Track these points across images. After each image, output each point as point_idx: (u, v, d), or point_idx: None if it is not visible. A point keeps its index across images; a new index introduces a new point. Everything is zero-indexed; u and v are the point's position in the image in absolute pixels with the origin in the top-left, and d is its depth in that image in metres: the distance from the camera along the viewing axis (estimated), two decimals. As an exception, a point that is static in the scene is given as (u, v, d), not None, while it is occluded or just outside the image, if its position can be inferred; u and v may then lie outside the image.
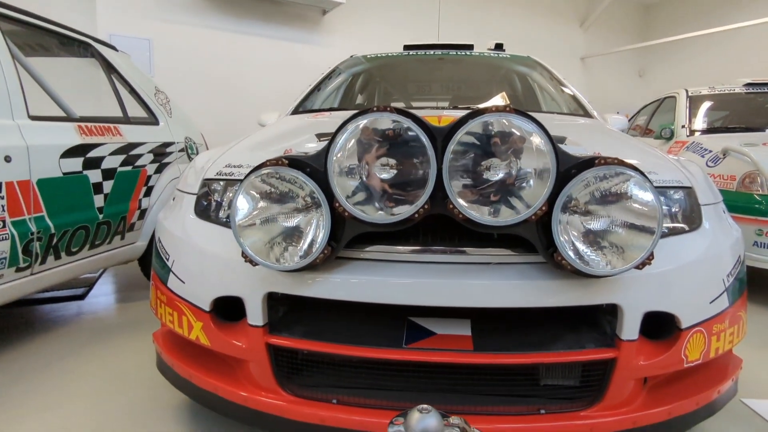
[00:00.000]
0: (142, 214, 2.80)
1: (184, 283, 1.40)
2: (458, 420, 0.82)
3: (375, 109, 1.05)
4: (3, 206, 1.95)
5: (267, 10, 6.31)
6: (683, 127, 4.02)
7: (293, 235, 1.11)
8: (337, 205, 1.07)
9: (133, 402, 1.78)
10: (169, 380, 1.52)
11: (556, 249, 1.06)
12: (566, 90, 2.67)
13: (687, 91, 4.38)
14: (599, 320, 1.28)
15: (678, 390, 1.30)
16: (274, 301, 1.29)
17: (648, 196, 1.02)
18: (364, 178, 1.07)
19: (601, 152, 1.48)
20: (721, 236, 1.38)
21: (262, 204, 1.11)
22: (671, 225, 1.33)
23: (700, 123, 4.04)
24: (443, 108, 2.85)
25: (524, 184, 1.05)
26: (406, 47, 3.07)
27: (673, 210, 1.37)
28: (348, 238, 1.15)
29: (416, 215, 1.07)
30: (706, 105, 4.21)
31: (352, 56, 3.17)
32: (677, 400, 1.27)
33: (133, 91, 2.98)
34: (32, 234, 2.08)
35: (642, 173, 1.03)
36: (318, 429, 1.22)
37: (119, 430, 1.61)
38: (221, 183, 1.53)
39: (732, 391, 1.44)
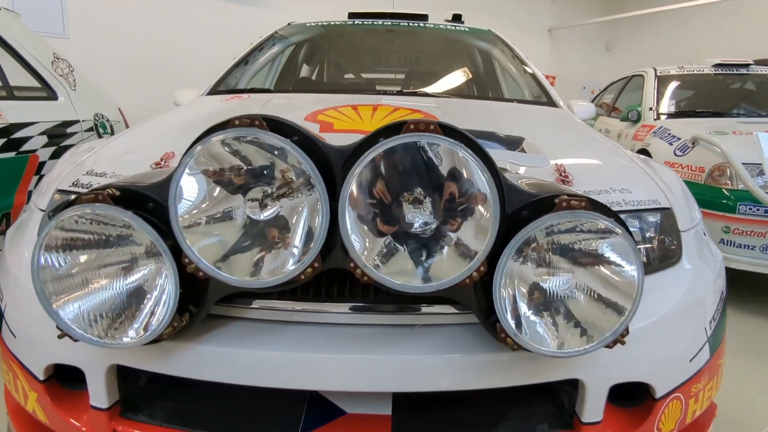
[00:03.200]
0: (34, 209, 2.36)
1: (15, 337, 1.04)
2: None
3: (237, 122, 0.70)
4: None
5: (209, -36, 5.66)
6: (651, 109, 3.80)
7: (128, 300, 0.76)
8: (186, 260, 0.73)
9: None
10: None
11: (498, 320, 0.76)
12: (529, 71, 2.35)
13: (656, 70, 4.15)
14: (555, 390, 1.00)
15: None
16: (129, 369, 0.95)
17: (629, 259, 0.73)
18: (226, 222, 0.73)
19: (565, 162, 1.19)
20: (703, 271, 1.13)
21: (81, 257, 0.76)
22: (644, 261, 1.06)
23: (668, 105, 3.83)
24: (395, 89, 2.50)
25: (455, 230, 0.74)
26: (351, 15, 2.66)
27: (648, 240, 1.09)
28: (213, 301, 0.82)
29: (302, 276, 0.74)
30: (674, 86, 3.99)
31: (290, 24, 2.74)
32: (645, 479, 1.03)
33: (19, 58, 2.47)
34: None
35: (622, 225, 0.73)
36: None
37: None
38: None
39: (704, 444, 1.23)
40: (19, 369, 1.03)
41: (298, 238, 0.73)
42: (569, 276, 0.76)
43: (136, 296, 0.76)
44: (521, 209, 0.76)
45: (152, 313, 0.75)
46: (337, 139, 1.18)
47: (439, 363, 0.84)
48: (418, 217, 0.73)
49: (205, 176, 0.71)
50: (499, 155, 1.18)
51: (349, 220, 0.71)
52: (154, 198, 0.76)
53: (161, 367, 0.86)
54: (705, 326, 1.06)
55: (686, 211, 1.20)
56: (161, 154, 1.19)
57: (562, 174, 1.12)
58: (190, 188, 0.71)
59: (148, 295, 0.76)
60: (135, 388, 0.98)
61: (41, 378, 0.99)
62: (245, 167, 0.72)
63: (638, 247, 1.06)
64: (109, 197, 0.72)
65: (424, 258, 0.73)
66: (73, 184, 1.18)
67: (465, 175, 0.72)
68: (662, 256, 1.09)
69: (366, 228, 0.73)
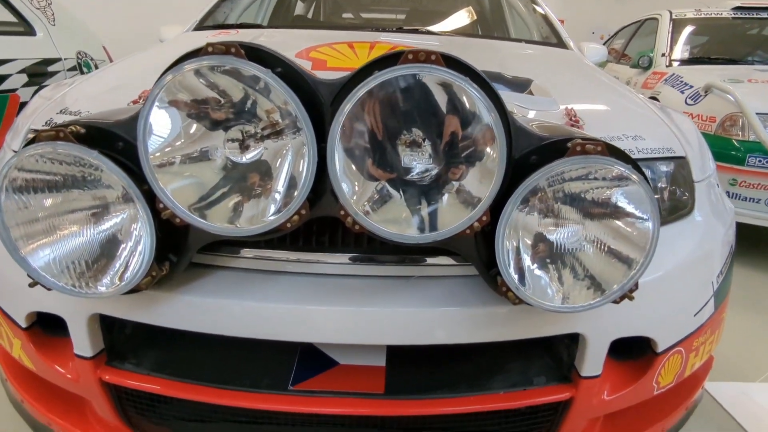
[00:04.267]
0: (19, 152, 2.28)
1: (-6, 283, 1.00)
2: None
3: (210, 49, 0.61)
4: None
5: None
6: (663, 55, 3.62)
7: (101, 248, 0.71)
8: (161, 206, 0.67)
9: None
10: (9, 398, 1.17)
11: (500, 273, 0.71)
12: (539, 10, 2.19)
13: (671, 13, 3.92)
14: (553, 343, 0.97)
15: (641, 416, 1.05)
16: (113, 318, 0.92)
17: (644, 208, 0.67)
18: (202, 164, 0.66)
19: (576, 107, 1.11)
20: (714, 224, 1.07)
21: (46, 200, 0.69)
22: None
23: (681, 51, 3.65)
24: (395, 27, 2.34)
25: (458, 177, 0.67)
26: (349, -54, 2.46)
27: (660, 190, 1.03)
28: (195, 249, 0.76)
29: (288, 224, 0.68)
30: (689, 30, 3.78)
31: (284, -48, 2.53)
32: (640, 429, 1.02)
33: (-9, -11, 2.30)
34: None
35: (640, 172, 0.66)
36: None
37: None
38: (51, 138, 1.08)
39: (700, 397, 1.23)
40: (1, 316, 1.00)
41: (280, 184, 0.66)
42: (578, 227, 0.70)
43: (110, 244, 0.71)
44: (530, 153, 0.69)
45: (128, 263, 0.70)
46: (329, 77, 1.11)
47: (436, 316, 0.80)
48: (417, 162, 0.66)
49: (178, 110, 0.64)
50: (506, 97, 1.09)
51: (338, 164, 0.64)
52: (123, 136, 0.68)
53: (143, 317, 0.82)
54: (712, 280, 1.02)
55: (700, 161, 1.13)
56: (140, 91, 1.10)
57: (572, 119, 1.04)
58: (161, 124, 0.64)
59: (123, 244, 0.70)
60: (121, 337, 0.95)
61: (23, 326, 0.96)
62: (223, 101, 0.64)
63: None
64: (72, 135, 0.65)
65: (421, 206, 0.67)
66: (46, 123, 1.10)
67: (470, 114, 0.64)
68: (674, 207, 1.03)
69: (358, 173, 0.66)
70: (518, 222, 0.68)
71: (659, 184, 1.04)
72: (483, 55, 1.50)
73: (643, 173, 0.68)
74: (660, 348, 0.94)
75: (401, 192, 0.68)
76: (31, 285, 0.72)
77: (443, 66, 0.61)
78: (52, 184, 0.68)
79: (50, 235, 0.70)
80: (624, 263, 0.69)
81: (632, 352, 0.98)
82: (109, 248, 0.70)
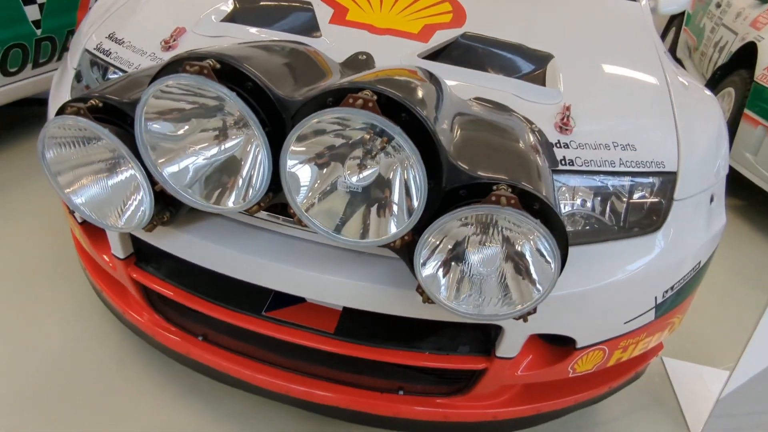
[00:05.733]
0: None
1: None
2: None
3: (188, 67, 0.72)
4: None
5: None
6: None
7: (113, 197, 0.91)
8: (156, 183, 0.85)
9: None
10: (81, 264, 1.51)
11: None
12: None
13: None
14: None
15: (555, 388, 1.22)
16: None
17: (550, 256, 0.75)
18: (185, 152, 0.81)
19: (577, 102, 1.09)
20: (683, 243, 1.10)
21: (75, 155, 0.89)
22: (612, 223, 1.05)
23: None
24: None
25: (391, 198, 0.78)
26: None
27: (631, 204, 1.06)
28: (188, 208, 0.95)
29: (253, 208, 0.84)
30: None
31: None
32: (552, 398, 1.20)
33: None
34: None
35: (553, 221, 0.74)
36: (183, 358, 1.24)
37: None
38: (100, 62, 1.24)
39: (634, 377, 1.37)
40: (64, 205, 1.28)
41: (243, 178, 0.81)
42: (491, 255, 0.80)
43: (122, 193, 0.91)
44: (461, 187, 0.77)
45: (133, 212, 0.90)
46: (339, 36, 1.15)
47: (376, 292, 0.96)
48: (355, 181, 0.77)
49: (164, 119, 0.78)
50: (504, 85, 1.10)
51: (288, 170, 0.76)
52: (131, 115, 0.83)
53: (154, 241, 1.06)
54: (656, 295, 1.09)
55: (699, 173, 1.12)
56: (173, 28, 1.21)
57: (564, 121, 1.05)
58: (156, 127, 0.78)
59: (128, 195, 0.90)
60: (147, 245, 1.21)
61: (79, 221, 1.24)
62: (198, 105, 0.77)
63: (618, 208, 1.06)
64: (89, 109, 0.81)
65: (357, 215, 0.80)
66: (96, 47, 1.25)
67: (402, 154, 0.73)
68: (638, 222, 1.07)
69: (306, 178, 0.78)
70: (437, 246, 0.80)
71: (633, 197, 1.06)
72: (515, 14, 1.41)
73: (556, 222, 0.75)
74: (579, 345, 1.07)
75: (344, 200, 0.80)
76: (70, 212, 0.96)
77: (378, 113, 0.69)
78: (72, 141, 0.86)
79: (76, 184, 0.90)
80: (532, 286, 0.80)
81: (557, 340, 1.12)
82: (120, 197, 0.91)
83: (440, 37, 1.20)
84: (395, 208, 0.77)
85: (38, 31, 2.18)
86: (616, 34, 1.41)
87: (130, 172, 0.88)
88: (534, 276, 0.78)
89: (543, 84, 1.14)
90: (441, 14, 1.29)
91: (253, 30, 1.19)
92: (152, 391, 1.38)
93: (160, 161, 0.81)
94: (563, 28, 1.36)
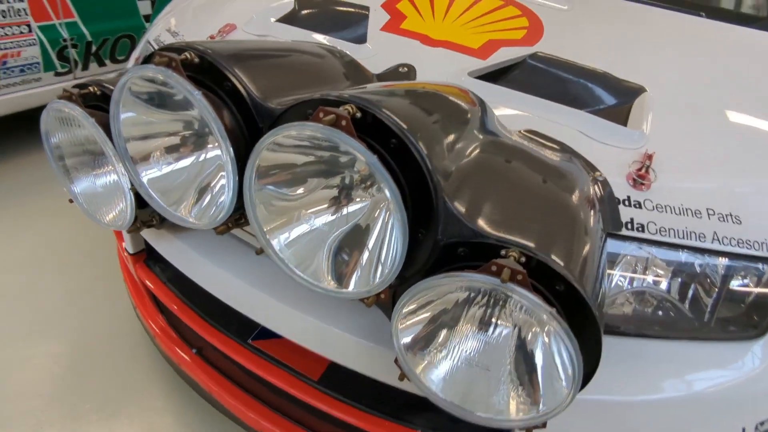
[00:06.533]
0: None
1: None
2: None
3: (156, 59, 0.62)
4: (25, 9, 1.90)
5: None
6: None
7: (104, 198, 0.85)
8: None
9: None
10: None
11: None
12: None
13: None
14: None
15: None
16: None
17: (564, 363, 0.54)
18: (153, 159, 0.72)
19: (666, 151, 0.83)
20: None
21: (66, 142, 0.84)
22: (693, 316, 0.78)
23: None
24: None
25: (368, 243, 0.62)
26: None
27: (725, 295, 0.79)
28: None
29: (222, 227, 0.72)
30: None
31: None
32: None
33: None
34: (65, 40, 2.06)
35: (567, 316, 0.52)
36: (180, 372, 1.17)
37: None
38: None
39: None
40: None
41: (214, 192, 0.69)
42: (492, 340, 0.60)
43: (111, 195, 0.85)
44: (460, 244, 0.59)
45: (119, 212, 0.84)
46: (386, 45, 1.02)
47: (361, 349, 0.80)
48: (324, 214, 0.62)
49: (141, 107, 0.69)
50: (570, 118, 0.88)
51: (251, 191, 0.63)
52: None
53: (152, 241, 1.00)
54: (744, 427, 0.79)
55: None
56: (223, 23, 1.17)
57: (641, 172, 0.81)
58: (130, 118, 0.70)
59: (117, 199, 0.84)
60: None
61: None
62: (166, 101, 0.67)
63: (705, 299, 0.79)
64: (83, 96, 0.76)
65: (330, 258, 0.65)
66: (155, 39, 1.25)
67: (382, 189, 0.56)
68: (731, 321, 0.79)
69: (273, 203, 0.65)
70: (422, 309, 0.62)
71: (724, 287, 0.79)
72: (610, 34, 1.16)
73: (586, 316, 0.54)
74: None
75: (318, 240, 0.65)
76: (70, 201, 0.92)
77: (351, 133, 0.53)
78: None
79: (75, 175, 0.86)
80: (530, 400, 0.59)
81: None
82: (110, 198, 0.85)
83: (503, 55, 1.01)
84: (365, 257, 0.61)
85: (147, 25, 2.33)
86: (739, 69, 1.10)
87: (113, 174, 0.82)
88: (540, 383, 0.57)
89: (624, 123, 0.90)
90: (513, 29, 1.09)
91: (300, 32, 1.10)
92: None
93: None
94: (667, 56, 1.09)
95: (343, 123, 0.53)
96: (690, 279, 0.79)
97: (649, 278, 0.80)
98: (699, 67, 1.07)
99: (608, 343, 0.75)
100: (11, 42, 1.87)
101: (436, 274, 0.55)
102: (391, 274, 0.58)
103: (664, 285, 0.80)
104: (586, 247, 0.63)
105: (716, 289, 0.79)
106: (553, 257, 0.55)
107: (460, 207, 0.58)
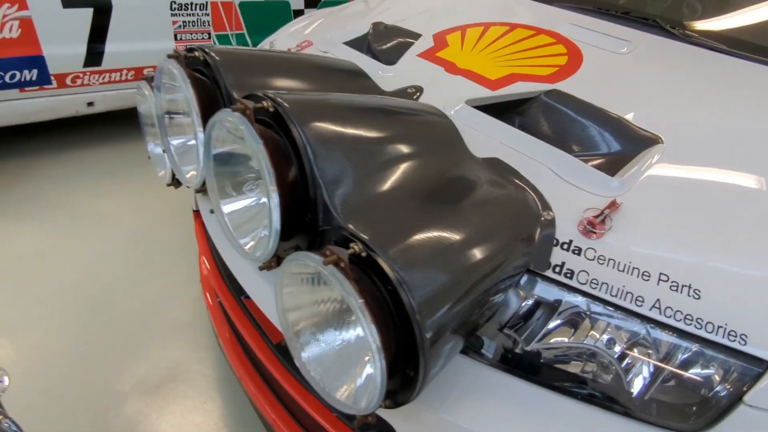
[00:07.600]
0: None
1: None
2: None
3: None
4: (209, 21, 2.44)
5: None
6: None
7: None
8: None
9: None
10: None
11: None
12: None
13: None
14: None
15: None
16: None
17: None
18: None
19: (655, 206, 0.76)
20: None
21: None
22: (628, 388, 0.70)
23: None
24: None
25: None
26: None
27: (657, 370, 0.70)
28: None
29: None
30: None
31: None
32: None
33: None
34: (233, 48, 2.58)
35: (373, 310, 0.55)
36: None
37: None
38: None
39: None
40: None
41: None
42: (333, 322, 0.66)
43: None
44: (332, 232, 0.66)
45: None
46: (412, 69, 1.11)
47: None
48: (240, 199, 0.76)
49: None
50: (547, 155, 0.85)
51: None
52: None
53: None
54: None
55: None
56: (301, 41, 1.39)
57: (596, 220, 0.76)
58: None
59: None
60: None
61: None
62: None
63: (641, 369, 0.71)
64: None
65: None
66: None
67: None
68: (667, 407, 0.69)
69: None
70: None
71: (662, 363, 0.70)
72: (676, 80, 1.06)
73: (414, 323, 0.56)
74: None
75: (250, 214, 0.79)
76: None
77: (251, 120, 0.66)
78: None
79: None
80: (352, 388, 0.63)
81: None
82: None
83: (516, 88, 1.02)
84: (264, 230, 0.72)
85: (299, 41, 2.76)
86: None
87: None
88: (356, 373, 0.61)
89: (616, 170, 0.84)
90: (544, 66, 1.08)
91: (352, 53, 1.24)
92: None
93: None
94: (714, 110, 0.96)
95: (247, 112, 0.66)
96: (627, 345, 0.72)
97: (587, 333, 0.75)
98: (746, 125, 0.92)
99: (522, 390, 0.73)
100: (196, 45, 2.44)
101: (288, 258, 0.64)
102: (272, 245, 0.69)
103: (599, 343, 0.74)
104: (457, 266, 0.64)
105: (651, 363, 0.70)
106: (391, 255, 0.58)
107: (336, 201, 0.66)
